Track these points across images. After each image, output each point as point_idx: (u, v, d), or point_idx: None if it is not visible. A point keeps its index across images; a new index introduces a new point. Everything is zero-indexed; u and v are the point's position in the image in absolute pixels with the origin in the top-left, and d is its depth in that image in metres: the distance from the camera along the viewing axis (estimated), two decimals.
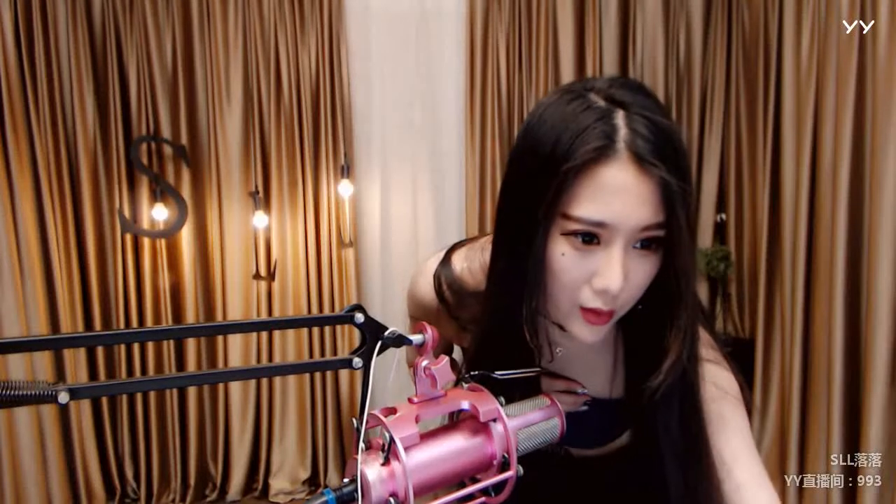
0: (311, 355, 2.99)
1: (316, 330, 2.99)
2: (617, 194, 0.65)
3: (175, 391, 2.95)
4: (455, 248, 0.90)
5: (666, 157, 0.65)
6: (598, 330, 0.72)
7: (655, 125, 0.65)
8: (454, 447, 0.58)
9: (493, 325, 0.78)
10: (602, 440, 0.90)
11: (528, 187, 0.69)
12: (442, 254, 0.90)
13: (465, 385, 0.65)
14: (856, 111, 2.32)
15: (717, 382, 0.81)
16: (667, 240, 0.68)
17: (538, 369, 0.75)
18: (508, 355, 0.78)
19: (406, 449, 0.54)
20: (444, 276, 0.86)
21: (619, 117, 0.65)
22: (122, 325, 2.87)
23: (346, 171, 2.93)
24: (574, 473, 0.96)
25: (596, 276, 0.68)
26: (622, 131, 0.65)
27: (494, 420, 0.60)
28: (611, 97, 0.67)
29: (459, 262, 0.87)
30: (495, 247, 0.76)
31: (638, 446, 0.86)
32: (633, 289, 0.70)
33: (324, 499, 0.51)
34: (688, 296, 0.70)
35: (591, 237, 0.67)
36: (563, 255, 0.68)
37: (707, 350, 0.81)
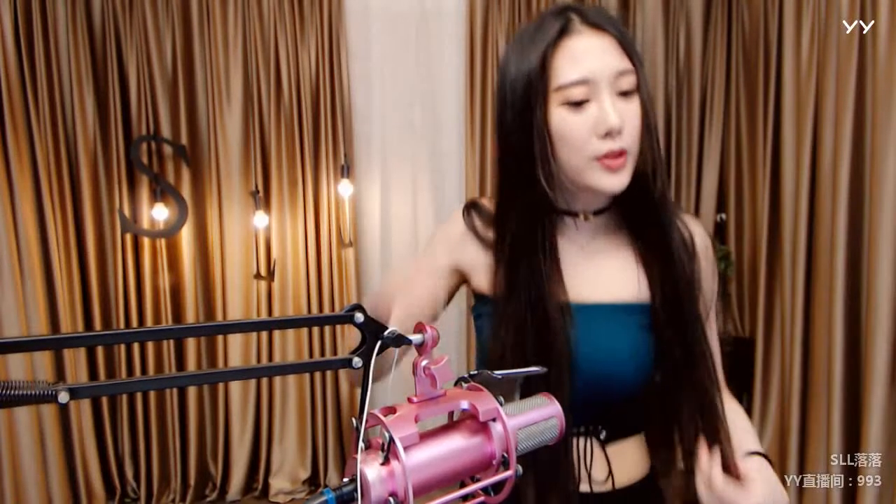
0: (311, 355, 2.99)
1: (316, 330, 2.99)
2: (585, 55, 0.84)
3: (175, 391, 2.96)
4: (474, 199, 1.04)
5: (614, 23, 0.87)
6: (619, 174, 0.86)
7: (600, 10, 0.89)
8: (454, 447, 0.58)
9: (509, 197, 0.93)
10: (636, 353, 0.93)
11: (518, 83, 0.87)
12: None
13: (465, 385, 0.65)
14: (856, 111, 2.32)
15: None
16: (637, 84, 0.86)
17: (538, 368, 0.75)
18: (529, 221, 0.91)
19: (405, 448, 0.54)
20: (473, 209, 1.01)
21: (571, 11, 0.87)
22: (122, 325, 2.87)
23: (346, 171, 2.93)
24: None
25: (598, 125, 0.84)
26: (572, 13, 0.87)
27: (494, 419, 0.60)
28: (561, 7, 0.88)
29: (484, 203, 1.03)
30: (502, 146, 0.92)
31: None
32: (632, 128, 0.85)
33: (323, 498, 0.51)
34: (653, 113, 0.88)
35: (581, 99, 0.84)
36: (563, 120, 0.85)
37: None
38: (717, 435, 0.92)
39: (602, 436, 0.97)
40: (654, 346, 0.94)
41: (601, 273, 0.95)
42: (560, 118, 0.85)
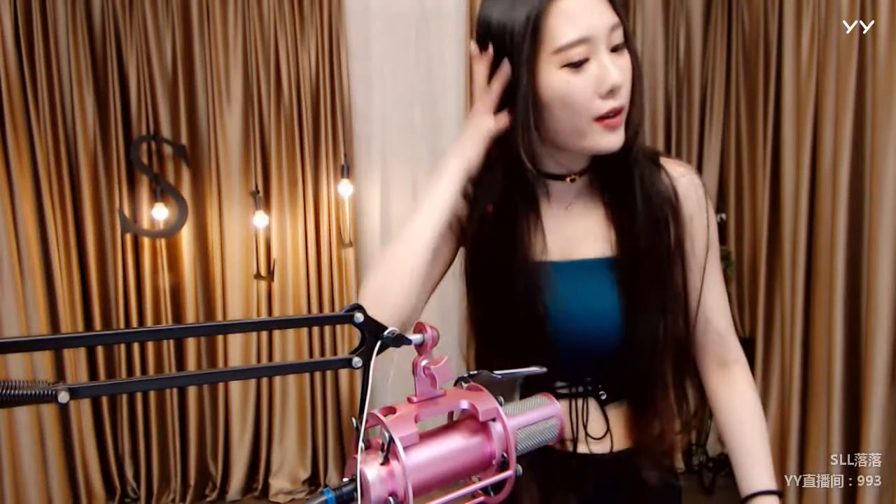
0: (311, 355, 2.99)
1: (316, 330, 2.99)
2: (581, 13, 0.82)
3: (175, 391, 2.96)
4: None
5: None
6: (617, 131, 0.86)
7: None
8: (453, 447, 0.59)
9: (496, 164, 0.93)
10: (609, 300, 0.94)
11: (503, 45, 0.85)
12: None
13: (465, 384, 0.65)
14: (856, 111, 2.31)
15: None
16: (624, 37, 0.85)
17: (538, 368, 0.75)
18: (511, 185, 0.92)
19: (405, 448, 0.54)
20: None
21: None
22: (122, 325, 2.87)
23: (346, 171, 2.93)
24: (586, 482, 0.97)
25: (600, 83, 0.83)
26: None
27: (493, 419, 0.60)
28: None
29: None
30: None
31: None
32: (627, 83, 0.86)
33: (323, 498, 0.51)
34: (640, 67, 0.89)
35: (581, 59, 0.82)
36: (568, 82, 0.83)
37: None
38: (666, 403, 0.94)
39: (602, 396, 0.98)
40: (630, 300, 0.94)
41: (584, 231, 0.96)
42: (562, 81, 0.83)
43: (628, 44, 0.86)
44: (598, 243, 0.96)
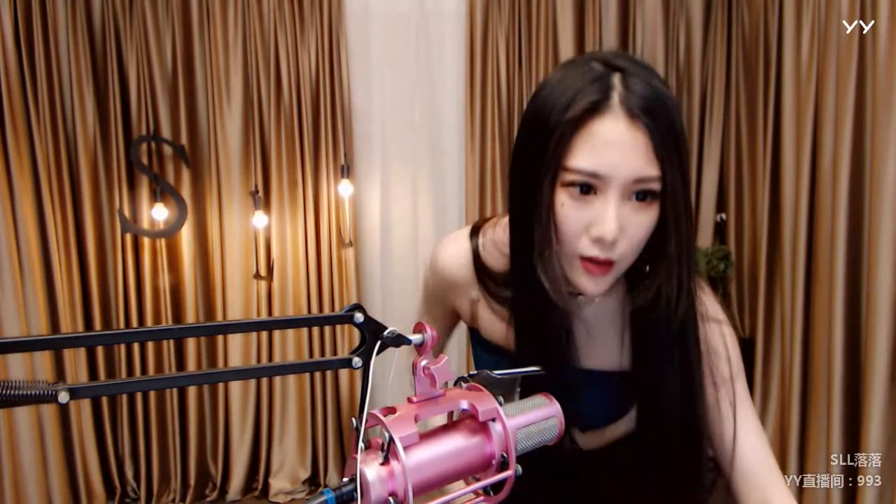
0: (311, 355, 2.99)
1: (316, 330, 2.99)
2: (610, 146, 0.70)
3: (175, 391, 2.96)
4: (479, 224, 0.95)
5: (657, 113, 0.70)
6: (599, 280, 0.75)
7: (649, 86, 0.71)
8: (453, 447, 0.59)
9: (519, 281, 0.83)
10: (611, 414, 0.91)
11: (534, 144, 0.74)
12: (466, 229, 0.95)
13: (465, 384, 0.65)
14: (856, 111, 2.31)
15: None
16: (662, 192, 0.72)
17: (537, 368, 0.75)
18: (541, 315, 0.83)
19: (405, 448, 0.54)
20: (485, 275, 0.91)
21: (616, 78, 0.71)
22: (122, 325, 2.87)
23: (346, 171, 2.93)
24: (584, 472, 0.97)
25: (592, 226, 0.72)
26: (617, 88, 0.71)
27: (493, 420, 0.60)
28: (609, 63, 0.73)
29: (480, 237, 0.92)
30: (511, 207, 0.81)
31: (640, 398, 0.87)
32: (632, 240, 0.73)
33: (323, 498, 0.51)
34: (681, 232, 0.75)
35: (588, 188, 0.71)
36: (562, 205, 0.73)
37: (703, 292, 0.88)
38: None
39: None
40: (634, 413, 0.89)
41: (586, 339, 0.89)
42: (559, 200, 0.73)
43: (667, 201, 0.72)
44: (601, 354, 0.89)
